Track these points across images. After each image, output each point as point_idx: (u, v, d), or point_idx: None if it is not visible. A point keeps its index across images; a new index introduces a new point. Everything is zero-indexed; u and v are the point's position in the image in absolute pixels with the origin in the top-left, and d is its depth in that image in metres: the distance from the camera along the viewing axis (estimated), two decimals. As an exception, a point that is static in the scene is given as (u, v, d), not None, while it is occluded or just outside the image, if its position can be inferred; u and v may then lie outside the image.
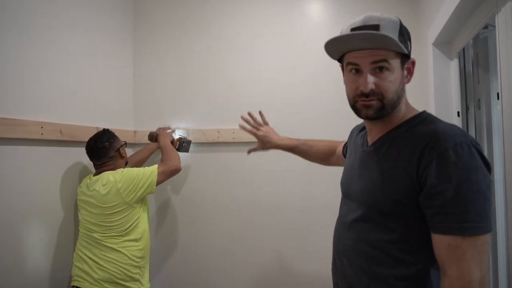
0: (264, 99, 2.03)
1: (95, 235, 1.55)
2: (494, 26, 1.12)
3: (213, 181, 2.09)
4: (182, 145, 1.95)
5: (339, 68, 0.95)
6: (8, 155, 1.38)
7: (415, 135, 0.82)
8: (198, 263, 2.09)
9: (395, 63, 0.83)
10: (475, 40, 1.43)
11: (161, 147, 1.86)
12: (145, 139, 2.03)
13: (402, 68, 0.85)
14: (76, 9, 1.75)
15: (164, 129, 2.04)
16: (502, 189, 1.11)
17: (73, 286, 1.55)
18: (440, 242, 0.76)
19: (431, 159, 0.76)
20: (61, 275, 1.63)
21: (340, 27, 0.90)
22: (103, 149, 1.61)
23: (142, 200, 1.65)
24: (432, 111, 1.62)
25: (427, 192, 0.76)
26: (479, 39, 1.41)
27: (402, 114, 0.89)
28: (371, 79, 0.82)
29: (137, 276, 1.61)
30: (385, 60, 0.81)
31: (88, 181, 1.62)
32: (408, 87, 0.90)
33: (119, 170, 1.60)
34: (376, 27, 0.81)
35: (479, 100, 1.47)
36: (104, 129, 1.68)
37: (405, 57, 0.85)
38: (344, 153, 1.29)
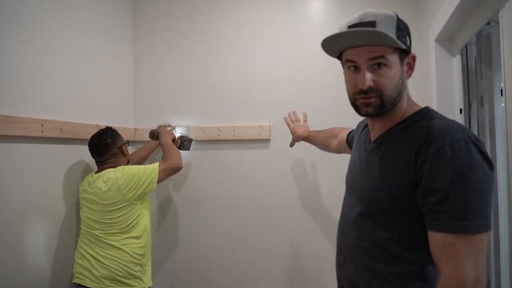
0: (264, 97, 2.02)
1: (96, 232, 1.55)
2: (498, 22, 1.10)
3: (213, 179, 2.09)
4: (184, 143, 1.94)
5: (339, 67, 0.94)
6: (8, 153, 1.38)
7: (414, 132, 0.82)
8: (199, 261, 2.09)
9: (393, 58, 0.82)
10: (478, 36, 1.41)
11: (163, 145, 1.86)
12: (146, 137, 2.02)
13: (402, 64, 0.84)
14: (76, 7, 1.74)
15: (165, 127, 2.04)
16: (505, 186, 1.10)
17: (75, 283, 1.56)
18: (435, 239, 0.75)
19: (428, 156, 0.75)
20: (62, 274, 1.63)
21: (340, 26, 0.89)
22: (105, 145, 1.61)
23: (143, 198, 1.65)
24: (434, 108, 1.58)
25: (424, 189, 0.76)
26: (482, 35, 1.39)
27: (404, 110, 0.88)
28: (368, 76, 0.81)
29: (138, 274, 1.61)
30: (382, 57, 0.80)
31: (89, 178, 1.62)
32: (410, 84, 0.89)
33: (120, 168, 1.60)
34: (372, 23, 0.80)
35: (482, 97, 1.45)
36: (107, 127, 1.69)
37: (404, 52, 0.84)
38: (349, 142, 1.29)
